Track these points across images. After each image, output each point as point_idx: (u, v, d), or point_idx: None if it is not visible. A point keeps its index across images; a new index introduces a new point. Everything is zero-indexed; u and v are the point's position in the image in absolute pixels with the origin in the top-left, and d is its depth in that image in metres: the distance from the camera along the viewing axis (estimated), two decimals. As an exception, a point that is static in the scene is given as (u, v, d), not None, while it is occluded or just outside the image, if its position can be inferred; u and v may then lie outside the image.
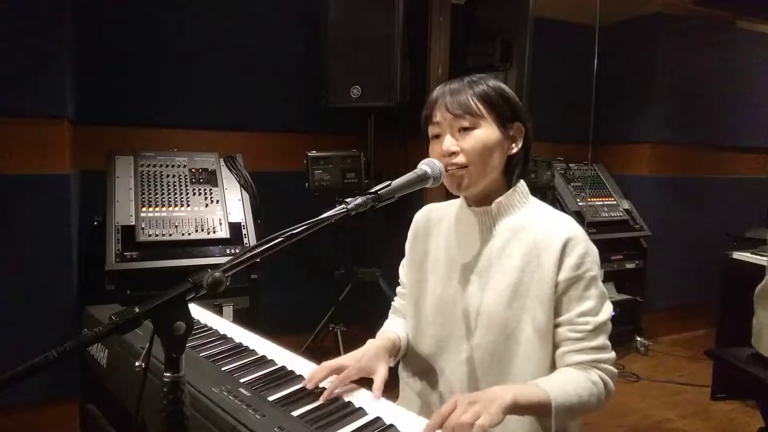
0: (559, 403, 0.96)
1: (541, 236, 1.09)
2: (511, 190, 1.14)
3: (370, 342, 1.20)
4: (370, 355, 1.13)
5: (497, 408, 0.89)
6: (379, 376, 1.08)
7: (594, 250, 1.10)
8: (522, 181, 1.17)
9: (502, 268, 1.11)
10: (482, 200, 1.15)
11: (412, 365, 1.28)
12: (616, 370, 1.08)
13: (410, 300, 1.27)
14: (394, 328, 1.29)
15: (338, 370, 1.06)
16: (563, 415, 0.97)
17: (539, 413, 0.98)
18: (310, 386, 1.03)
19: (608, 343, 1.08)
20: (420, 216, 1.31)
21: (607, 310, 1.08)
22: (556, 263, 1.06)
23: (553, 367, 1.09)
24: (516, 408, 0.92)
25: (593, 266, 1.07)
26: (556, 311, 1.07)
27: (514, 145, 1.14)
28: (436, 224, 1.26)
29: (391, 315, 1.37)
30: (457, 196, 1.21)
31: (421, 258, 1.26)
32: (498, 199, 1.13)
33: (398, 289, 1.37)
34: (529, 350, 1.08)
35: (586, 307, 1.06)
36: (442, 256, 1.21)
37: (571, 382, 1.02)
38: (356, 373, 1.07)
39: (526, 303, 1.08)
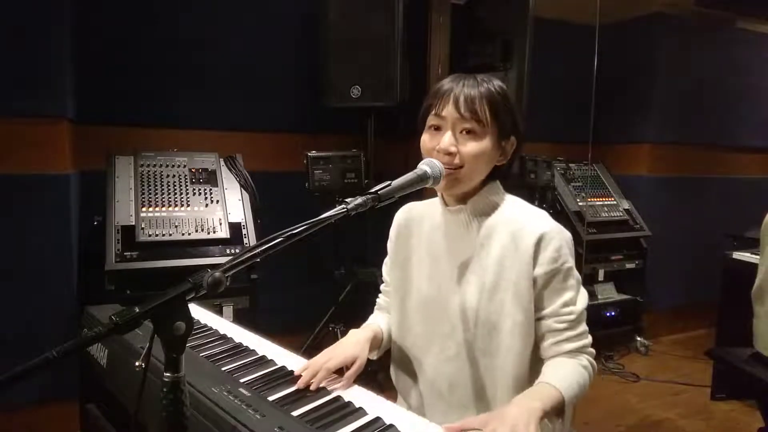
0: (569, 396, 1.02)
1: (517, 231, 1.11)
2: (486, 188, 1.16)
3: (351, 332, 1.24)
4: (348, 342, 1.19)
5: (535, 428, 0.91)
6: (355, 365, 1.11)
7: (569, 240, 1.13)
8: (497, 180, 1.19)
9: (482, 264, 1.13)
10: (460, 199, 1.17)
11: (400, 365, 1.29)
12: (594, 351, 1.14)
13: (395, 299, 1.28)
14: (376, 321, 1.33)
15: (322, 364, 1.09)
16: (571, 405, 1.03)
17: (557, 412, 1.02)
18: (301, 385, 1.05)
19: (586, 327, 1.13)
20: (401, 215, 1.32)
21: (584, 298, 1.13)
22: (532, 257, 1.08)
23: (533, 358, 1.11)
24: (544, 417, 0.96)
25: (568, 257, 1.11)
26: (538, 305, 1.10)
27: (503, 157, 1.15)
28: (418, 223, 1.27)
29: (375, 311, 1.40)
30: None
31: (405, 257, 1.27)
32: (474, 198, 1.15)
33: (382, 287, 1.39)
34: (511, 343, 1.10)
35: (567, 297, 1.10)
36: (425, 255, 1.23)
37: (572, 373, 1.07)
38: (341, 362, 1.11)
39: (506, 297, 1.10)
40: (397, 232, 1.31)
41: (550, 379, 1.04)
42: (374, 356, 1.27)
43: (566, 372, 1.07)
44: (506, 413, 0.93)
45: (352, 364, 1.13)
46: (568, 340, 1.09)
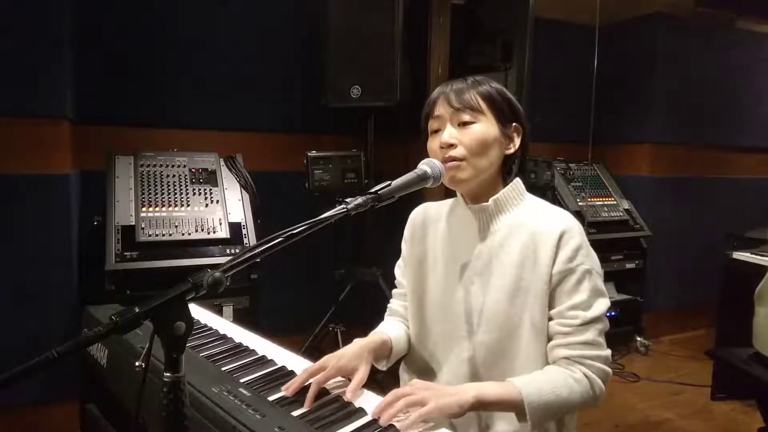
0: (531, 400, 0.96)
1: (537, 231, 1.09)
2: (507, 187, 1.15)
3: (356, 341, 1.16)
4: (350, 355, 1.09)
5: (451, 402, 0.91)
6: (357, 377, 1.03)
7: (589, 246, 1.10)
8: (518, 178, 1.18)
9: (502, 265, 1.11)
10: (478, 197, 1.16)
11: (414, 366, 1.28)
12: (608, 369, 1.07)
13: (412, 300, 1.26)
14: (386, 329, 1.26)
15: (318, 372, 1.02)
16: (540, 413, 0.97)
17: (512, 410, 0.99)
18: (289, 393, 0.99)
19: (600, 340, 1.06)
20: (416, 215, 1.31)
21: (600, 307, 1.06)
22: (552, 256, 1.06)
23: (547, 361, 1.09)
24: (480, 405, 0.94)
25: (587, 260, 1.07)
26: (549, 304, 1.07)
27: (512, 144, 1.15)
28: (434, 223, 1.26)
29: (387, 317, 1.35)
30: (453, 194, 1.21)
31: (420, 257, 1.25)
32: (495, 196, 1.14)
33: (395, 290, 1.35)
34: (530, 346, 1.08)
35: (577, 300, 1.05)
36: (441, 255, 1.22)
37: (549, 380, 1.01)
38: (335, 374, 1.04)
39: (527, 299, 1.08)
40: (411, 232, 1.29)
41: (519, 379, 1.00)
42: (383, 366, 1.22)
43: (542, 377, 1.02)
44: (438, 384, 0.95)
45: (350, 375, 1.05)
46: (567, 345, 1.04)
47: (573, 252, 1.06)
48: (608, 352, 1.07)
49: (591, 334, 1.05)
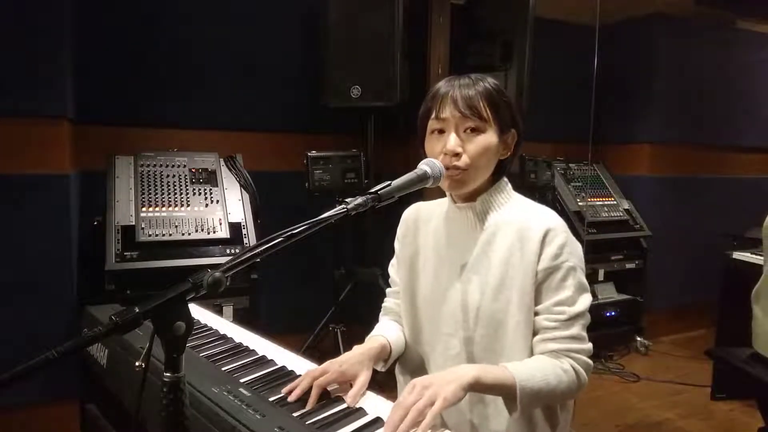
0: (524, 386, 0.98)
1: (523, 229, 1.11)
2: (494, 187, 1.17)
3: (356, 347, 1.17)
4: (352, 360, 1.10)
5: (454, 388, 0.92)
6: (358, 383, 1.05)
7: (574, 242, 1.12)
8: (504, 178, 1.20)
9: (489, 262, 1.13)
10: (468, 197, 1.17)
11: (407, 364, 1.29)
12: (590, 361, 1.10)
13: (404, 299, 1.28)
14: (383, 331, 1.27)
15: (320, 377, 1.02)
16: (529, 398, 0.99)
17: (504, 394, 1.01)
18: (291, 398, 0.98)
19: (584, 334, 1.10)
20: (408, 215, 1.32)
21: (584, 302, 1.10)
22: (537, 253, 1.08)
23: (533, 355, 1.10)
24: (478, 386, 0.96)
25: (571, 257, 1.09)
26: (535, 300, 1.09)
27: (507, 151, 1.16)
28: (425, 222, 1.27)
29: (382, 317, 1.36)
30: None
31: (412, 256, 1.26)
32: (482, 196, 1.16)
33: (389, 289, 1.36)
34: (517, 341, 1.09)
35: (563, 296, 1.08)
36: (432, 254, 1.23)
37: (540, 367, 1.03)
38: (336, 378, 1.04)
39: (513, 295, 1.10)
40: (404, 231, 1.30)
41: (512, 365, 1.02)
42: (381, 368, 1.23)
43: (534, 364, 1.04)
44: (435, 375, 0.96)
45: (352, 381, 1.06)
46: (554, 339, 1.07)
47: (558, 249, 1.08)
48: (590, 345, 1.11)
49: (576, 328, 1.08)
